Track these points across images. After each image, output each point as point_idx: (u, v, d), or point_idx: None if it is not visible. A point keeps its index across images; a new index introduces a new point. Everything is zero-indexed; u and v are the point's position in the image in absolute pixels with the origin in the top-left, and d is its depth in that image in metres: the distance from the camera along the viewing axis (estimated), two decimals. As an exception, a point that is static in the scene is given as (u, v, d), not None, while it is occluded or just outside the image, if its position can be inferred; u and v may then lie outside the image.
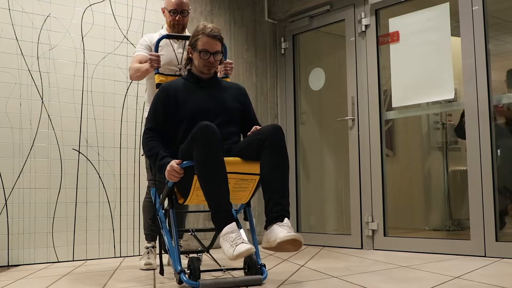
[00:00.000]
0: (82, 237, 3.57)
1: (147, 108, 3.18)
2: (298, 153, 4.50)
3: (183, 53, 3.12)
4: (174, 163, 2.32)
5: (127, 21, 3.88)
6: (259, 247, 2.64)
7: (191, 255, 2.69)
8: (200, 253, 2.80)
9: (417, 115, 4.44)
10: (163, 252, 2.64)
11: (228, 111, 2.63)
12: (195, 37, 2.62)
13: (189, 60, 2.70)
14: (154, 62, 2.88)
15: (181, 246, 3.30)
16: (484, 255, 3.20)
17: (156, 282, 2.54)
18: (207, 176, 2.24)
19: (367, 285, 2.31)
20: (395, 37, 3.79)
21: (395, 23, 3.80)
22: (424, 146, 5.08)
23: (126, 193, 3.77)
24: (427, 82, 3.59)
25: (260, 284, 2.35)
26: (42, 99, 3.51)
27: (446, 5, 3.52)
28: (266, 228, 2.25)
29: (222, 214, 2.22)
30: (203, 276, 2.49)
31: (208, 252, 2.74)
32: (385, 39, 3.87)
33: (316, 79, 4.47)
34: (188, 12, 3.20)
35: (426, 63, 3.61)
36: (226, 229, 2.17)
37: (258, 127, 2.52)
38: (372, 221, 3.81)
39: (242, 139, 2.70)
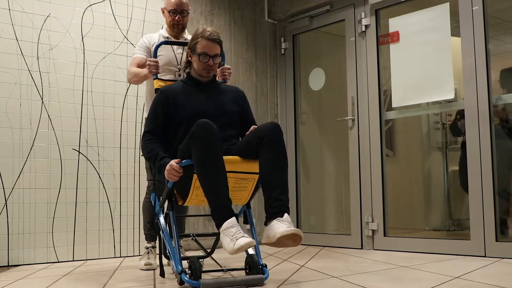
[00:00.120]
0: (82, 237, 3.57)
1: (146, 109, 3.18)
2: (298, 153, 4.50)
3: (182, 53, 3.12)
4: (173, 162, 2.33)
5: (127, 21, 3.88)
6: (260, 247, 2.64)
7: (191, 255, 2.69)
8: (202, 258, 2.79)
9: (417, 115, 4.44)
10: (164, 257, 2.65)
11: (227, 114, 2.64)
12: (194, 41, 2.64)
13: (188, 63, 2.71)
14: (153, 68, 2.90)
15: (181, 246, 3.30)
16: (484, 255, 3.21)
17: (156, 282, 2.54)
18: (207, 173, 2.25)
19: (367, 285, 2.31)
20: (395, 37, 3.79)
21: (395, 23, 3.81)
22: (424, 146, 5.09)
23: (126, 193, 3.76)
24: (427, 82, 3.60)
25: (261, 284, 2.35)
26: (42, 99, 3.50)
27: (446, 5, 3.52)
28: (266, 224, 2.25)
29: (221, 210, 2.22)
30: (204, 276, 2.49)
31: (210, 256, 2.75)
32: (385, 39, 3.87)
33: (316, 79, 4.47)
34: (188, 12, 3.20)
35: (426, 63, 3.61)
36: (226, 224, 2.18)
37: (256, 127, 2.54)
38: (372, 221, 3.81)
39: None
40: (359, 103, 3.98)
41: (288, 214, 2.26)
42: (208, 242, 3.84)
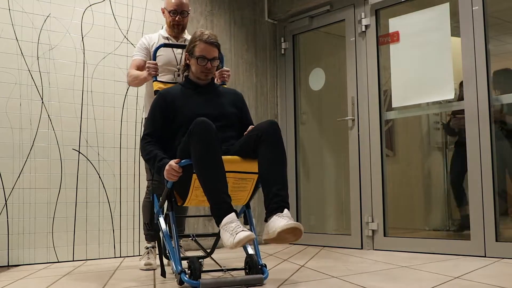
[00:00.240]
0: (82, 237, 3.57)
1: (145, 110, 3.19)
2: (298, 153, 4.50)
3: (182, 53, 3.12)
4: (172, 162, 2.33)
5: (127, 21, 3.88)
6: (260, 247, 2.64)
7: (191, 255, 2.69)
8: (202, 258, 2.80)
9: (417, 115, 4.44)
10: (164, 257, 2.65)
11: (225, 116, 2.65)
12: (192, 44, 2.66)
13: (187, 66, 2.73)
14: (152, 70, 2.91)
15: (181, 246, 3.30)
16: (484, 255, 3.21)
17: (156, 282, 2.54)
18: (206, 170, 2.25)
19: (367, 285, 2.31)
20: (395, 37, 3.79)
21: (395, 23, 3.80)
22: (424, 146, 5.08)
23: (126, 193, 3.77)
24: (427, 82, 3.60)
25: (261, 284, 2.35)
26: (42, 99, 3.50)
27: (446, 5, 3.52)
28: (266, 220, 2.26)
29: (221, 206, 2.23)
30: (204, 276, 2.49)
31: (210, 256, 2.75)
32: (385, 39, 3.87)
33: (316, 79, 4.47)
34: (188, 13, 3.21)
35: (426, 63, 3.61)
36: (226, 219, 2.18)
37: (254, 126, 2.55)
38: (372, 221, 3.81)
39: None
40: (359, 103, 3.98)
41: (288, 209, 2.27)
42: (208, 242, 3.84)
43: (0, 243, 3.28)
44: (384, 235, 3.76)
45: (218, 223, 2.22)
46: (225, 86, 2.96)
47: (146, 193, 3.22)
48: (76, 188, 3.58)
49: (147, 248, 3.16)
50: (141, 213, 3.45)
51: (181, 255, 2.71)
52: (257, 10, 4.68)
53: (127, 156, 3.79)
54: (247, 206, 2.66)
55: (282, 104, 4.63)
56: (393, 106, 3.81)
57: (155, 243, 3.20)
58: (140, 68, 3.11)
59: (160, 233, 2.64)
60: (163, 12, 3.25)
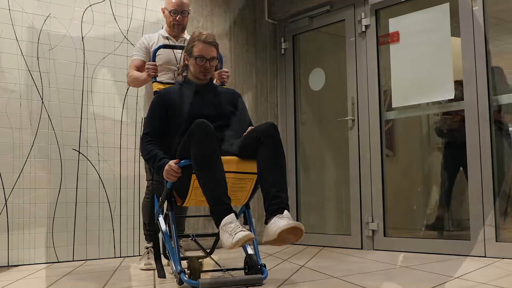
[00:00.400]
0: (82, 237, 3.57)
1: (144, 110, 3.20)
2: (298, 153, 4.49)
3: (182, 52, 3.13)
4: (172, 162, 2.34)
5: (127, 21, 3.88)
6: (260, 247, 2.64)
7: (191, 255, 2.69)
8: (201, 258, 2.80)
9: (417, 115, 4.43)
10: (164, 257, 2.66)
11: (224, 116, 2.66)
12: (190, 44, 2.68)
13: (185, 66, 2.74)
14: (152, 71, 2.92)
15: (181, 246, 3.30)
16: (484, 255, 3.20)
17: (156, 282, 2.54)
18: (205, 171, 2.26)
19: (367, 285, 2.31)
20: (395, 37, 3.79)
21: (395, 24, 3.80)
22: (424, 146, 5.08)
23: (126, 193, 3.76)
24: (427, 82, 3.59)
25: (260, 284, 2.35)
26: (42, 99, 3.50)
27: (446, 5, 3.52)
28: (266, 222, 2.25)
29: (220, 207, 2.23)
30: (203, 276, 2.49)
31: (209, 256, 2.75)
32: (385, 39, 3.87)
33: (316, 79, 4.47)
34: (188, 13, 3.21)
35: (426, 63, 3.61)
36: (225, 220, 2.18)
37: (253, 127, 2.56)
38: (372, 222, 3.81)
39: None
40: (359, 103, 3.97)
41: (288, 211, 2.27)
42: (207, 242, 3.84)
43: (0, 243, 3.28)
44: (384, 235, 3.76)
45: (218, 224, 2.22)
46: (224, 86, 2.97)
47: (145, 193, 3.23)
48: (76, 188, 3.58)
49: (147, 248, 3.16)
50: (141, 213, 3.45)
51: (181, 255, 2.71)
52: (257, 10, 4.68)
53: (127, 156, 3.79)
54: (247, 206, 2.66)
55: (282, 104, 4.63)
56: (393, 106, 3.81)
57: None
58: (140, 68, 3.11)
59: (160, 233, 2.64)
60: (163, 12, 3.26)
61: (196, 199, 2.45)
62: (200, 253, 2.90)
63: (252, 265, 2.45)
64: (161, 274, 2.66)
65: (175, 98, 2.64)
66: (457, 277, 2.46)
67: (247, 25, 4.60)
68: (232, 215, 2.21)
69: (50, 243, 3.45)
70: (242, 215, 2.68)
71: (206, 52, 2.64)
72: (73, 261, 3.51)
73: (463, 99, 3.43)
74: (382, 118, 3.85)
